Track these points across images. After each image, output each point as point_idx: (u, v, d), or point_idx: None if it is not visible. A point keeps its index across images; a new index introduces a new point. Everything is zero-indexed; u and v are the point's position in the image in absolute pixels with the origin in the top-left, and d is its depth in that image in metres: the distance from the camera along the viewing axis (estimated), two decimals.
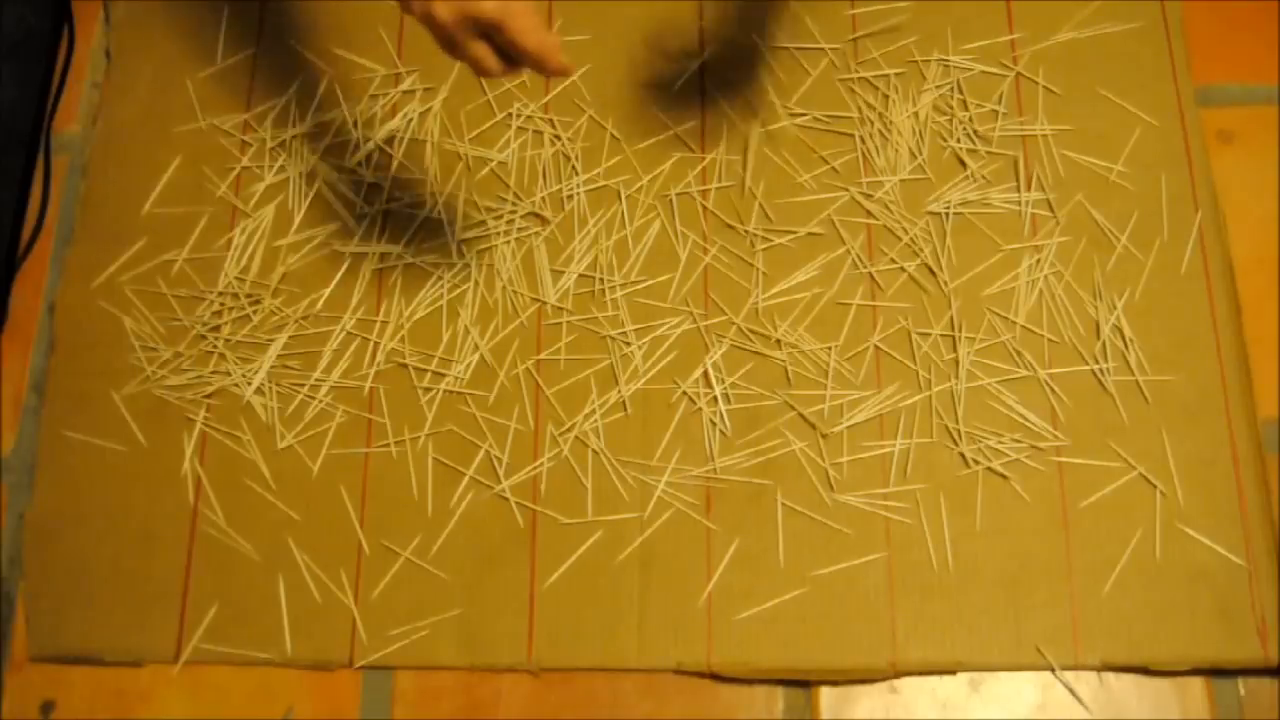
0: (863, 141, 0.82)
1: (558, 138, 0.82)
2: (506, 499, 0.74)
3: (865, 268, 0.78)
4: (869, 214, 0.80)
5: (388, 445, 0.76)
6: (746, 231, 0.79)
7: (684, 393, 0.76)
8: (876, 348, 0.77)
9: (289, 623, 0.73)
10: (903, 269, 0.78)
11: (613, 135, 0.83)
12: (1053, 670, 0.70)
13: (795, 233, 0.79)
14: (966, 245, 0.79)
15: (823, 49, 0.84)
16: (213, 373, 0.78)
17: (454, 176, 0.82)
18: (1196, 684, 0.70)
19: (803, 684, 0.71)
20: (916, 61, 0.84)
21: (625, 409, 0.76)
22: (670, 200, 0.81)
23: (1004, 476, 0.73)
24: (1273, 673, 0.70)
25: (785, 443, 0.75)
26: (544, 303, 0.78)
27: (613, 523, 0.74)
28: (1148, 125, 0.81)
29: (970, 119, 0.82)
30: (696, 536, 0.73)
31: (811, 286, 0.78)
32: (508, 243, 0.80)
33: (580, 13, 0.86)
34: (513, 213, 0.81)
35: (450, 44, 0.60)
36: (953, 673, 0.71)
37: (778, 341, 0.77)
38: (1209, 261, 0.78)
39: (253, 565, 0.74)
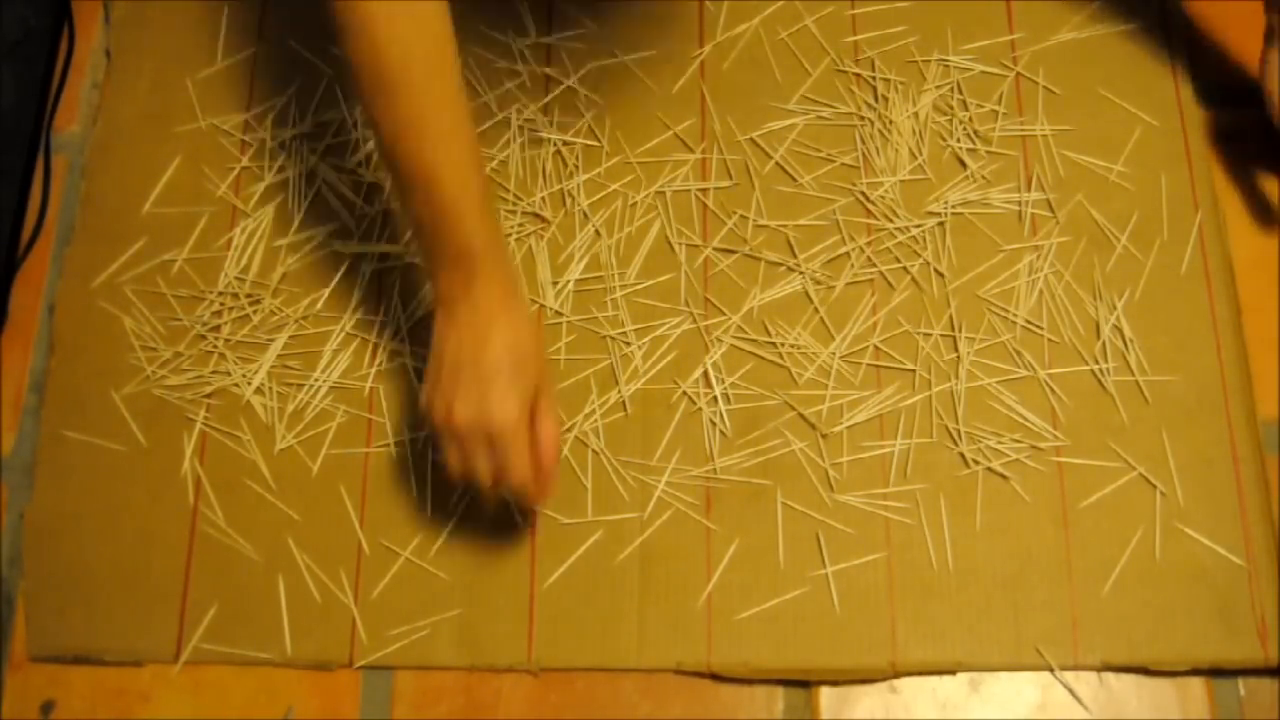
0: (863, 142, 0.82)
1: (558, 139, 0.82)
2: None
3: (865, 268, 0.78)
4: (869, 214, 0.80)
5: (388, 445, 0.76)
6: (747, 219, 0.79)
7: (684, 393, 0.76)
8: (876, 348, 0.77)
9: (289, 623, 0.72)
10: (905, 269, 0.78)
11: (613, 135, 0.83)
12: (1052, 670, 0.70)
13: (794, 224, 0.79)
14: (966, 245, 0.79)
15: (823, 48, 0.84)
16: (213, 373, 0.78)
17: None
18: (1196, 684, 0.70)
19: (803, 684, 0.71)
20: (916, 61, 0.84)
21: (625, 409, 0.76)
22: (670, 200, 0.81)
23: (1004, 476, 0.73)
24: (1273, 673, 0.70)
25: (785, 443, 0.75)
26: (544, 305, 0.78)
27: (613, 523, 0.74)
28: (1148, 125, 0.81)
29: (970, 119, 0.82)
30: (696, 536, 0.73)
31: (811, 286, 0.78)
32: (508, 242, 0.80)
33: (580, 12, 0.86)
34: (512, 213, 0.81)
35: (460, 452, 0.63)
36: (953, 673, 0.71)
37: (776, 343, 0.77)
38: (1209, 261, 0.78)
39: (253, 565, 0.74)
